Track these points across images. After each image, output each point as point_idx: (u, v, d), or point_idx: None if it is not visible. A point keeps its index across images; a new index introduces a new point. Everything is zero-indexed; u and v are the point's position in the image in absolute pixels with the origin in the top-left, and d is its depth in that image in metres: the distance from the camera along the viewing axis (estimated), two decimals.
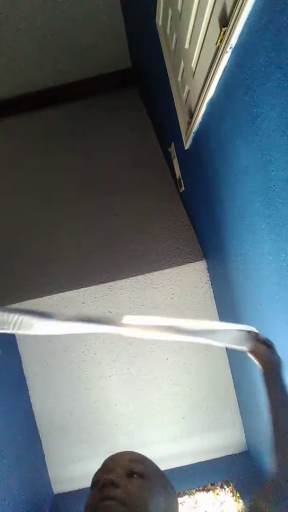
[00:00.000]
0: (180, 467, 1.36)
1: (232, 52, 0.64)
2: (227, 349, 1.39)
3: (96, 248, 1.53)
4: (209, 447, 1.41)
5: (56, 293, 1.40)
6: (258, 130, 0.61)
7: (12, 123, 2.31)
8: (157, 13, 1.17)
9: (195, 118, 0.94)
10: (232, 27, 0.59)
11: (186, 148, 1.17)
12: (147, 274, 1.40)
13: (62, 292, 1.40)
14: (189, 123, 1.04)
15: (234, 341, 0.58)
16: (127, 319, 0.57)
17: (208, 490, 1.24)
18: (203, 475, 1.33)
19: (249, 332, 0.60)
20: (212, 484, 1.26)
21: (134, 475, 0.49)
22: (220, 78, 0.73)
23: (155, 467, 0.55)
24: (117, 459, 0.53)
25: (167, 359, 1.42)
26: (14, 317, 0.54)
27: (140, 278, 1.40)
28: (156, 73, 1.47)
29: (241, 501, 1.18)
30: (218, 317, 1.40)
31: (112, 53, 2.22)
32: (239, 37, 0.60)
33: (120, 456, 0.54)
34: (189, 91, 1.00)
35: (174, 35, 1.03)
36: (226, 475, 1.29)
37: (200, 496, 1.24)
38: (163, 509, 0.48)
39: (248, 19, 0.55)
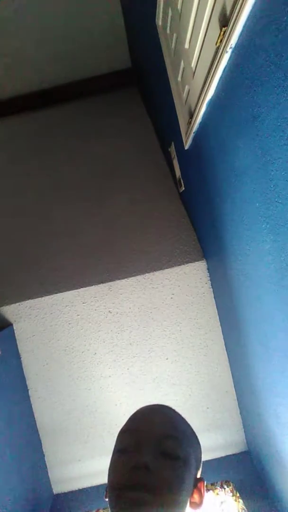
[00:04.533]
0: None
1: (232, 52, 0.64)
2: (227, 349, 1.39)
3: (96, 248, 1.53)
4: (209, 447, 1.41)
5: (56, 293, 1.40)
6: (258, 130, 0.61)
7: (12, 123, 2.31)
8: (157, 13, 1.17)
9: (195, 118, 0.94)
10: (232, 27, 0.59)
11: (186, 148, 1.17)
12: (147, 274, 1.40)
13: (62, 292, 1.40)
14: (189, 123, 1.04)
15: None
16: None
17: (208, 490, 1.24)
18: (203, 475, 1.33)
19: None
20: (212, 484, 1.25)
21: (168, 456, 0.47)
22: (220, 78, 0.73)
23: (188, 434, 0.52)
24: (151, 429, 0.50)
25: (167, 359, 1.42)
26: None
27: (140, 278, 1.40)
28: (156, 73, 1.47)
29: (241, 501, 1.18)
30: (218, 317, 1.40)
31: (112, 53, 2.22)
32: (239, 37, 0.60)
33: (153, 426, 0.51)
34: (189, 91, 1.00)
35: (174, 35, 1.03)
36: (226, 475, 1.29)
37: None
38: (191, 489, 0.47)
39: (248, 19, 0.55)
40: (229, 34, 0.61)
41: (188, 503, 0.47)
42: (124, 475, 0.45)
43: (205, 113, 0.89)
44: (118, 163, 1.89)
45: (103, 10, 1.91)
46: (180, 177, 1.51)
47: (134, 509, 0.41)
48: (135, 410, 0.59)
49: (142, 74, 2.03)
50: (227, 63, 0.67)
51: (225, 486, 1.24)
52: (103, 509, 1.28)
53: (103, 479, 1.39)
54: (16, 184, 1.94)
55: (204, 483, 0.52)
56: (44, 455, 1.44)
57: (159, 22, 1.19)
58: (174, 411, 0.58)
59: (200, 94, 0.85)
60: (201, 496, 0.50)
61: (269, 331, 0.83)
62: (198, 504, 0.49)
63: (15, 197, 1.87)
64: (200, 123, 0.95)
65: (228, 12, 0.61)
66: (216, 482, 1.26)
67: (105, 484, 1.38)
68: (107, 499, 0.50)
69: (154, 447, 0.47)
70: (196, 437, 0.55)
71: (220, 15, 0.65)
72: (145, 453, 0.46)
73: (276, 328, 0.79)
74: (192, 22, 0.83)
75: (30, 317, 1.41)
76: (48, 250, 1.58)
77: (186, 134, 1.12)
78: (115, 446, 0.53)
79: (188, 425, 0.56)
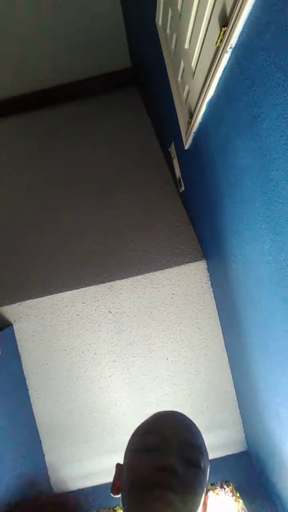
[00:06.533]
0: None
1: (232, 52, 0.64)
2: (227, 349, 1.39)
3: (96, 248, 1.53)
4: (209, 447, 1.40)
5: (56, 293, 1.40)
6: (258, 130, 0.61)
7: (12, 123, 2.31)
8: (157, 13, 1.17)
9: (195, 118, 0.94)
10: (232, 27, 0.59)
11: (186, 148, 1.17)
12: (147, 274, 1.40)
13: (62, 292, 1.40)
14: (189, 123, 1.04)
15: None
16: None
17: (208, 490, 1.24)
18: None
19: None
20: (212, 484, 1.25)
21: (191, 463, 0.47)
22: (220, 78, 0.73)
23: (204, 445, 0.54)
24: (176, 434, 0.50)
25: (167, 359, 1.42)
26: None
27: (140, 278, 1.40)
28: (156, 73, 1.47)
29: (241, 501, 1.18)
30: (218, 317, 1.40)
31: (112, 53, 2.22)
32: (239, 37, 0.60)
33: (177, 431, 0.51)
34: (189, 91, 1.00)
35: (174, 35, 1.03)
36: (226, 475, 1.29)
37: None
38: (203, 495, 0.49)
39: (248, 19, 0.55)
40: (229, 34, 0.61)
41: None
42: (148, 474, 0.45)
43: (205, 113, 0.89)
44: (118, 163, 1.89)
45: (103, 10, 1.91)
46: (180, 177, 1.51)
47: (156, 506, 0.41)
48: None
49: (142, 74, 2.03)
50: (227, 63, 0.67)
51: (225, 486, 1.24)
52: (103, 509, 1.28)
53: (103, 479, 1.39)
54: (16, 184, 1.94)
55: (208, 497, 0.53)
56: (44, 455, 1.44)
57: (159, 22, 1.19)
58: (190, 420, 0.58)
59: (200, 94, 0.85)
60: (205, 509, 0.51)
61: (269, 331, 0.83)
62: None
63: (15, 197, 1.87)
64: (200, 123, 0.95)
65: (228, 12, 0.61)
66: (216, 482, 1.26)
67: (105, 484, 1.38)
68: (115, 496, 0.50)
69: (179, 452, 0.48)
70: (207, 449, 0.56)
71: (220, 15, 0.65)
72: (171, 456, 0.46)
73: (276, 328, 0.79)
74: (192, 22, 0.83)
75: (30, 317, 1.41)
76: (48, 250, 1.58)
77: (186, 134, 1.12)
78: (135, 445, 0.52)
79: (202, 437, 0.57)
